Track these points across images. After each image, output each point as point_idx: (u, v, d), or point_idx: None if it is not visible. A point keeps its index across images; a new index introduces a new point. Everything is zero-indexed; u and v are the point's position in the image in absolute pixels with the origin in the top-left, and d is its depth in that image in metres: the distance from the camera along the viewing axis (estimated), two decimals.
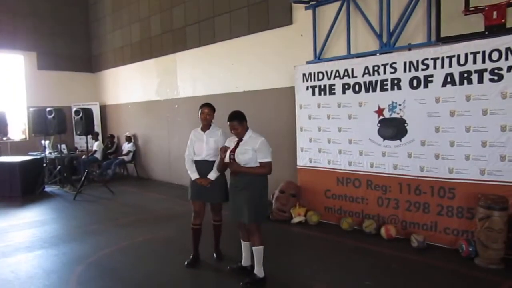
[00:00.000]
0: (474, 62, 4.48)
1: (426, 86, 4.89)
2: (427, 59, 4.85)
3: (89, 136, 9.00)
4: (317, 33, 6.34)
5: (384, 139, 5.34)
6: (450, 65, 4.67)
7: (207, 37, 8.42)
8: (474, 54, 4.47)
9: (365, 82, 5.47)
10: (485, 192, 4.42)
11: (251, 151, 3.78)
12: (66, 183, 9.40)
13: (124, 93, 11.39)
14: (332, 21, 6.09)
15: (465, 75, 4.56)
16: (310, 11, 6.38)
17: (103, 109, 12.24)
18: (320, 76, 5.97)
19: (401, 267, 4.30)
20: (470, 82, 4.54)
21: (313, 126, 6.11)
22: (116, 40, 11.36)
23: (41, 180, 9.02)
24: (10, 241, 5.52)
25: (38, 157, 9.50)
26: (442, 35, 4.93)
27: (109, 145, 11.33)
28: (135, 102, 10.95)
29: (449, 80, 4.70)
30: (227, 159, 3.90)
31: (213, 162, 4.25)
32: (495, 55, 4.34)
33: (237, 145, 3.89)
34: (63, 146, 9.89)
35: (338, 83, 5.77)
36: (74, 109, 8.97)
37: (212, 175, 4.24)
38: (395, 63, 5.15)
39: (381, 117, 5.34)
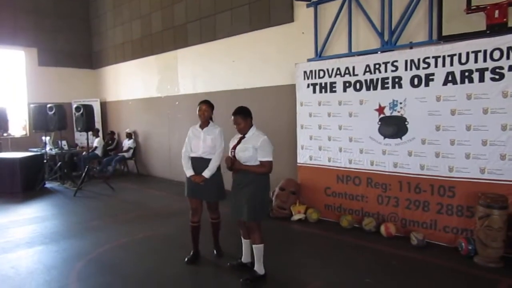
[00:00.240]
0: (476, 61, 4.48)
1: (427, 85, 4.90)
2: (428, 57, 4.85)
3: (90, 133, 9.00)
4: (319, 30, 6.34)
5: (385, 137, 5.34)
6: (452, 64, 4.67)
7: (208, 34, 8.41)
8: (476, 53, 4.47)
9: (366, 80, 5.47)
10: (485, 191, 4.43)
11: (252, 149, 3.78)
12: (67, 179, 9.41)
13: (124, 90, 11.39)
14: (333, 18, 6.08)
15: (466, 74, 4.57)
16: (311, 9, 6.38)
17: (103, 105, 12.24)
18: (321, 73, 5.96)
19: (400, 264, 4.32)
20: (471, 81, 4.54)
21: (314, 124, 6.12)
22: (117, 37, 11.35)
23: (41, 176, 9.03)
24: (10, 237, 5.53)
25: (39, 153, 9.51)
26: (444, 33, 4.93)
27: (110, 142, 11.34)
28: (135, 98, 10.95)
29: (450, 78, 4.70)
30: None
31: (209, 160, 4.22)
32: (496, 54, 4.34)
33: (238, 142, 3.89)
34: (64, 142, 9.91)
35: (339, 81, 5.77)
36: (74, 106, 8.97)
37: (207, 172, 4.21)
38: (396, 61, 5.15)
39: (382, 115, 5.34)
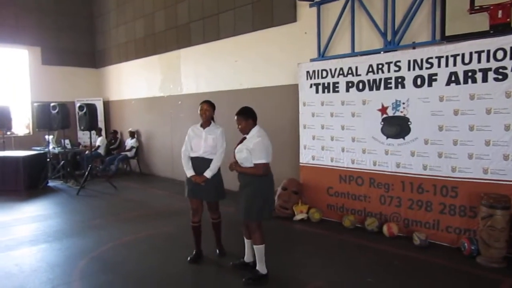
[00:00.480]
0: (479, 61, 4.48)
1: (430, 85, 4.89)
2: (431, 57, 4.85)
3: (93, 132, 9.02)
4: (321, 30, 6.34)
5: (387, 137, 5.34)
6: (455, 64, 4.66)
7: (211, 33, 8.42)
8: (479, 53, 4.47)
9: (369, 80, 5.47)
10: (488, 191, 4.43)
11: (246, 150, 3.77)
12: (69, 178, 9.45)
13: (127, 89, 11.41)
14: (336, 18, 6.08)
15: (470, 74, 4.56)
16: (314, 9, 6.38)
17: (106, 104, 12.27)
18: (324, 73, 5.97)
19: (403, 264, 4.32)
20: (474, 81, 4.54)
21: (316, 124, 6.12)
22: (120, 36, 11.37)
23: (44, 174, 9.07)
24: (14, 235, 5.56)
25: (42, 152, 9.54)
26: (447, 33, 4.92)
27: (112, 141, 11.38)
28: (138, 98, 10.98)
29: (453, 79, 4.69)
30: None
31: (210, 159, 4.22)
32: (499, 54, 4.33)
33: (240, 143, 3.91)
34: (67, 141, 9.95)
35: (342, 81, 5.77)
36: (78, 105, 9.00)
37: (208, 173, 4.21)
38: (399, 61, 5.15)
39: (385, 115, 5.34)
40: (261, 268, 3.89)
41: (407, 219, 5.20)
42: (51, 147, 9.86)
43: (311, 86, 6.14)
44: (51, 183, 9.31)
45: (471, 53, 4.53)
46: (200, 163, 4.26)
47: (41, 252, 4.86)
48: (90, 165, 8.89)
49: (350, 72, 5.67)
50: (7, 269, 4.33)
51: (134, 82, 11.06)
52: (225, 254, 4.59)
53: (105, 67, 12.25)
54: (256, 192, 3.82)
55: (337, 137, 5.89)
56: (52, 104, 9.11)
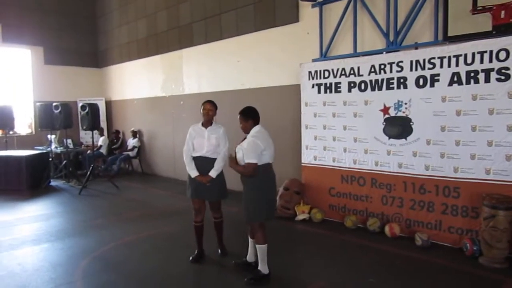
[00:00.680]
0: (481, 61, 4.47)
1: (432, 85, 4.89)
2: (433, 58, 4.85)
3: (95, 131, 9.03)
4: (324, 31, 6.34)
5: (390, 137, 5.34)
6: (457, 65, 4.66)
7: (213, 33, 8.43)
8: (481, 53, 4.46)
9: (371, 81, 5.47)
10: (490, 191, 4.42)
11: (241, 150, 3.80)
12: (72, 177, 9.47)
13: (129, 89, 11.43)
14: (338, 19, 6.08)
15: (472, 74, 4.56)
16: (316, 9, 6.38)
17: (108, 104, 12.29)
18: (326, 74, 5.97)
19: (405, 265, 4.32)
20: (476, 81, 4.53)
21: (318, 124, 6.12)
22: (122, 36, 11.39)
23: (46, 174, 9.09)
24: (16, 234, 5.57)
25: (44, 151, 9.56)
26: (449, 34, 4.92)
27: (114, 141, 11.39)
28: (140, 98, 10.99)
29: (455, 79, 4.69)
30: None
31: (213, 159, 4.22)
32: (502, 55, 4.33)
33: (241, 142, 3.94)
34: (69, 140, 9.96)
35: (344, 81, 5.77)
36: (80, 104, 9.02)
37: (213, 173, 4.22)
38: (401, 61, 5.14)
39: (387, 116, 5.34)
40: (263, 268, 3.89)
41: (409, 220, 5.19)
42: (53, 146, 9.88)
43: (313, 86, 6.14)
44: (53, 183, 9.33)
45: (473, 54, 4.52)
46: (203, 163, 4.26)
47: (44, 252, 4.87)
48: (92, 165, 8.91)
49: (352, 72, 5.67)
50: (10, 268, 4.34)
51: (136, 82, 11.08)
52: (227, 254, 4.60)
53: (107, 67, 12.27)
54: (251, 192, 3.84)
55: (339, 137, 5.89)
56: (54, 104, 9.13)
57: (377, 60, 5.41)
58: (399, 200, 5.29)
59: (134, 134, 10.87)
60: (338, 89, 5.85)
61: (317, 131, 6.15)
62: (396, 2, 5.44)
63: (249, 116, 3.88)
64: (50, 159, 9.46)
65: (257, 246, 3.89)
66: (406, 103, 5.13)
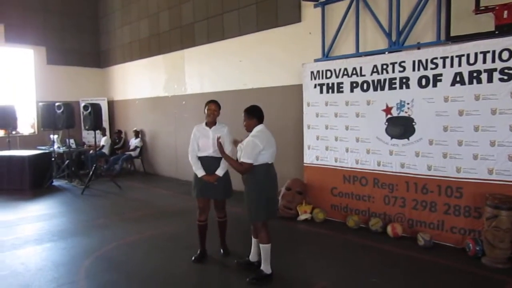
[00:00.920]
0: (484, 61, 4.47)
1: (435, 85, 4.88)
2: (436, 58, 4.84)
3: (97, 131, 9.05)
4: (326, 31, 6.34)
5: (392, 137, 5.33)
6: (460, 65, 4.65)
7: (215, 33, 8.44)
8: (484, 53, 4.46)
9: (373, 81, 5.47)
10: (492, 191, 4.42)
11: (240, 148, 3.84)
12: (74, 177, 9.49)
13: (132, 89, 11.45)
14: (341, 19, 6.08)
15: (475, 74, 4.55)
16: (319, 9, 6.38)
17: (110, 104, 12.32)
18: (328, 74, 5.97)
19: (407, 265, 4.31)
20: (479, 81, 4.52)
21: (321, 124, 6.12)
22: (124, 36, 11.42)
23: (49, 174, 9.11)
24: (19, 234, 5.59)
25: (47, 151, 9.59)
26: (452, 34, 4.92)
27: (117, 140, 11.42)
28: (142, 98, 11.01)
29: (458, 79, 4.68)
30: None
31: (219, 158, 4.23)
32: (505, 55, 4.32)
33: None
34: (72, 140, 9.99)
35: (346, 81, 5.77)
36: (82, 104, 9.04)
37: (220, 171, 4.26)
38: (404, 61, 5.14)
39: (389, 116, 5.33)
40: (265, 268, 3.89)
41: (412, 220, 5.19)
42: (56, 146, 9.90)
43: (315, 86, 6.15)
44: (55, 183, 9.36)
45: (476, 54, 4.52)
46: (210, 162, 4.29)
47: (46, 251, 4.89)
48: (94, 165, 8.94)
49: (354, 72, 5.67)
50: (13, 267, 4.36)
51: (139, 82, 11.09)
52: (229, 254, 4.60)
53: (109, 67, 12.30)
54: (253, 192, 3.85)
55: (341, 137, 5.89)
56: (57, 104, 9.15)
57: (379, 60, 5.41)
58: (402, 200, 5.28)
59: (137, 134, 10.89)
60: (340, 89, 5.85)
61: (319, 131, 6.15)
62: (398, 2, 5.44)
63: (254, 115, 3.90)
64: (53, 159, 9.49)
65: (260, 245, 3.90)
66: (408, 103, 5.13)
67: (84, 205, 7.35)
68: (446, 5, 4.95)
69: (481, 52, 4.48)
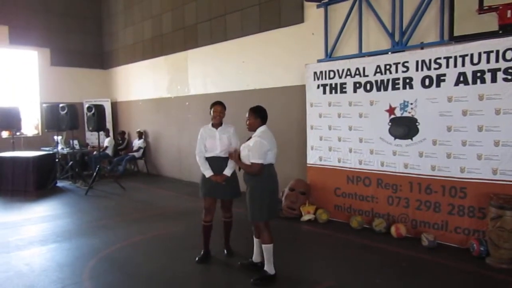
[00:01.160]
0: (488, 61, 4.45)
1: (438, 85, 4.87)
2: (439, 58, 4.83)
3: (101, 132, 9.08)
4: (329, 31, 6.34)
5: (395, 138, 5.32)
6: (463, 64, 4.64)
7: (218, 34, 8.45)
8: (488, 53, 4.44)
9: (376, 81, 5.46)
10: (497, 192, 4.40)
11: (246, 149, 3.84)
12: (78, 178, 9.52)
13: (135, 90, 11.49)
14: (344, 19, 6.08)
15: (478, 74, 4.54)
16: (321, 10, 6.38)
17: (114, 105, 12.36)
18: (331, 74, 5.96)
19: (411, 265, 4.30)
20: (483, 81, 4.51)
21: (324, 125, 6.12)
22: (128, 37, 11.45)
23: (53, 175, 9.14)
24: (24, 235, 5.61)
25: (51, 152, 9.62)
26: (455, 34, 4.91)
27: (120, 142, 11.45)
28: (146, 99, 11.04)
29: (462, 79, 4.67)
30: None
31: (227, 158, 4.26)
32: (509, 55, 4.31)
33: (247, 141, 3.96)
34: (75, 142, 10.03)
35: (349, 82, 5.76)
36: (86, 105, 9.07)
37: (228, 171, 4.28)
38: (407, 62, 5.13)
39: (392, 116, 5.33)
40: (269, 268, 3.89)
41: (415, 220, 5.18)
42: (59, 147, 9.95)
43: (318, 87, 6.14)
44: (59, 184, 9.38)
45: (480, 54, 4.51)
46: (217, 163, 4.30)
47: (51, 252, 4.90)
48: (98, 166, 8.96)
49: (357, 72, 5.66)
50: (18, 268, 4.38)
51: (142, 83, 11.13)
52: (233, 255, 4.60)
53: (113, 68, 12.34)
54: (255, 192, 3.85)
55: (345, 137, 5.88)
56: (60, 105, 9.19)
57: (382, 60, 5.41)
58: (405, 200, 5.27)
59: (140, 135, 10.92)
60: (344, 90, 5.84)
61: (323, 131, 6.14)
62: (401, 2, 5.44)
63: (259, 115, 3.93)
64: (57, 160, 9.52)
65: (263, 245, 3.90)
66: (412, 103, 5.12)
67: (88, 206, 7.37)
68: (450, 5, 4.95)
69: (484, 52, 4.47)
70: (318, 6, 6.42)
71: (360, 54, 5.89)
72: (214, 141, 4.29)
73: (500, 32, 4.50)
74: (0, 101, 10.59)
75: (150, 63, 10.68)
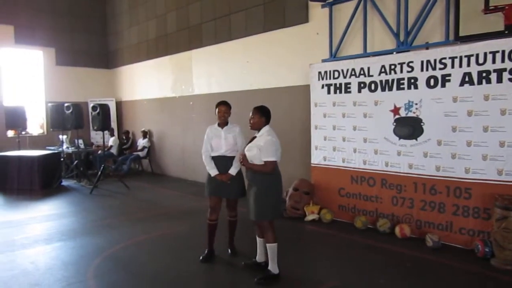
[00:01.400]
0: (493, 61, 4.43)
1: (443, 86, 4.86)
2: (445, 58, 4.81)
3: (106, 132, 9.11)
4: (333, 31, 6.33)
5: (400, 138, 5.31)
6: (469, 65, 4.62)
7: (222, 34, 8.46)
8: (493, 53, 4.42)
9: (381, 81, 5.45)
10: (502, 192, 4.38)
11: (256, 148, 3.82)
12: (83, 177, 9.57)
13: (139, 90, 11.52)
14: (348, 19, 6.07)
15: (484, 74, 4.52)
16: (326, 9, 6.37)
17: (118, 105, 12.40)
18: (336, 74, 5.96)
19: (415, 266, 4.29)
20: (488, 81, 4.49)
21: (328, 125, 6.11)
22: (132, 37, 11.49)
23: (58, 174, 9.19)
24: (29, 233, 5.65)
25: (56, 151, 9.68)
26: (461, 34, 4.89)
27: (125, 141, 11.49)
28: (150, 98, 11.07)
29: (467, 79, 4.65)
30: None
31: (232, 157, 4.29)
32: None
33: (250, 141, 3.96)
34: (80, 141, 10.08)
35: (354, 82, 5.75)
36: (91, 105, 9.11)
37: (233, 170, 4.30)
38: (412, 62, 5.12)
39: (397, 116, 5.31)
40: (273, 267, 3.90)
41: (420, 221, 5.16)
42: (64, 146, 9.99)
43: (322, 87, 6.14)
44: (64, 183, 9.44)
45: (485, 54, 4.48)
46: (222, 162, 4.33)
47: (56, 251, 4.93)
48: (103, 165, 8.99)
49: (362, 72, 5.65)
50: (23, 266, 4.41)
51: (146, 83, 11.16)
52: (237, 254, 4.61)
53: (117, 68, 12.38)
54: (265, 191, 3.85)
55: (349, 137, 5.87)
56: (66, 104, 9.24)
57: (387, 60, 5.39)
58: (410, 201, 5.26)
59: (144, 134, 10.95)
60: (348, 90, 5.83)
61: (327, 131, 6.14)
62: (406, 2, 5.42)
63: (264, 115, 3.93)
64: (62, 159, 9.57)
65: (267, 245, 3.90)
66: (416, 104, 5.11)
67: (93, 205, 7.41)
68: (455, 4, 4.92)
69: (490, 52, 4.45)
70: (322, 6, 6.41)
71: (365, 54, 5.87)
72: (219, 141, 4.32)
73: (506, 32, 4.48)
74: (6, 100, 10.65)
75: (154, 62, 10.70)
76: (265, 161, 3.79)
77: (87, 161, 11.00)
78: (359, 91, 5.70)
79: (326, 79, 6.08)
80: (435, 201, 5.01)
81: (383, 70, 5.42)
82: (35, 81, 11.46)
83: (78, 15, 11.91)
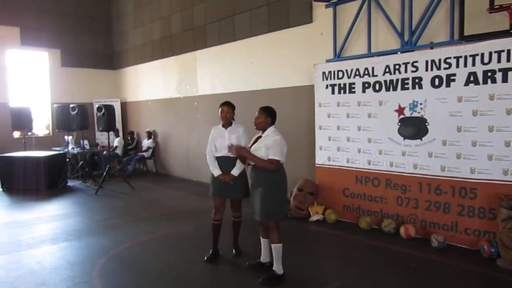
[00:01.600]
0: (499, 61, 4.41)
1: (448, 85, 4.84)
2: (449, 57, 4.79)
3: (111, 132, 9.15)
4: (337, 31, 6.32)
5: (405, 138, 5.30)
6: (474, 64, 4.60)
7: (227, 35, 8.48)
8: (499, 52, 4.40)
9: (385, 81, 5.44)
10: (508, 192, 4.36)
11: (264, 148, 3.83)
12: (88, 178, 9.61)
13: (144, 90, 11.56)
14: (352, 19, 6.06)
15: (489, 74, 4.50)
16: (330, 10, 6.37)
17: (123, 105, 12.45)
18: (340, 74, 5.95)
19: (420, 266, 4.28)
20: (494, 81, 4.47)
21: (332, 125, 6.11)
22: (137, 38, 11.53)
23: (64, 174, 9.25)
24: (35, 233, 5.69)
25: (62, 152, 9.74)
26: (466, 33, 4.86)
27: (130, 141, 11.53)
28: (155, 99, 11.11)
29: (472, 79, 4.63)
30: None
31: (235, 158, 4.28)
32: None
33: (255, 141, 3.96)
34: (85, 141, 10.12)
35: (358, 82, 5.75)
36: (96, 106, 9.15)
37: (235, 171, 4.30)
38: (416, 61, 5.10)
39: (402, 116, 5.30)
40: (277, 268, 3.90)
41: (425, 221, 5.15)
42: (70, 147, 10.05)
43: (327, 87, 6.13)
44: (70, 183, 9.49)
45: (490, 53, 4.46)
46: (226, 162, 4.34)
47: (62, 250, 4.96)
48: (108, 166, 9.04)
49: (366, 72, 5.64)
50: (29, 266, 4.44)
51: (151, 84, 11.20)
52: (241, 254, 4.62)
53: (122, 69, 12.43)
54: (272, 191, 3.84)
55: (353, 138, 5.86)
56: (71, 105, 9.30)
57: (391, 60, 5.38)
58: (414, 201, 5.24)
59: (149, 135, 10.99)
60: (352, 90, 5.83)
61: (331, 131, 6.13)
62: (411, 2, 5.40)
63: (270, 115, 3.95)
64: (67, 159, 9.63)
65: (272, 245, 3.90)
66: (421, 103, 5.09)
67: (98, 205, 7.44)
68: (460, 4, 4.90)
69: (495, 52, 4.43)
70: (326, 6, 6.40)
71: (369, 54, 5.86)
72: (223, 141, 4.33)
73: (511, 31, 4.45)
74: (12, 101, 10.73)
75: (159, 63, 10.74)
76: (271, 159, 3.79)
77: (92, 162, 11.06)
78: (364, 91, 5.69)
79: (330, 79, 6.07)
80: (440, 201, 4.99)
81: (387, 70, 5.41)
82: (40, 82, 11.55)
83: (83, 17, 11.98)
